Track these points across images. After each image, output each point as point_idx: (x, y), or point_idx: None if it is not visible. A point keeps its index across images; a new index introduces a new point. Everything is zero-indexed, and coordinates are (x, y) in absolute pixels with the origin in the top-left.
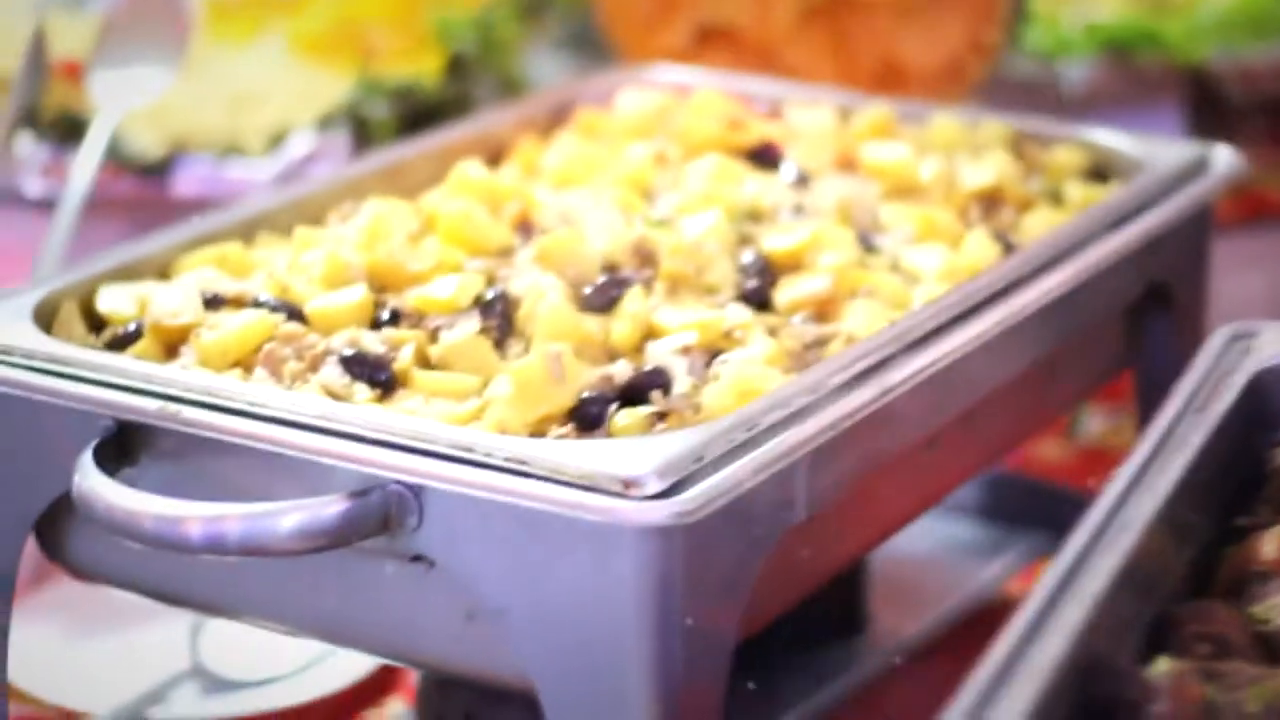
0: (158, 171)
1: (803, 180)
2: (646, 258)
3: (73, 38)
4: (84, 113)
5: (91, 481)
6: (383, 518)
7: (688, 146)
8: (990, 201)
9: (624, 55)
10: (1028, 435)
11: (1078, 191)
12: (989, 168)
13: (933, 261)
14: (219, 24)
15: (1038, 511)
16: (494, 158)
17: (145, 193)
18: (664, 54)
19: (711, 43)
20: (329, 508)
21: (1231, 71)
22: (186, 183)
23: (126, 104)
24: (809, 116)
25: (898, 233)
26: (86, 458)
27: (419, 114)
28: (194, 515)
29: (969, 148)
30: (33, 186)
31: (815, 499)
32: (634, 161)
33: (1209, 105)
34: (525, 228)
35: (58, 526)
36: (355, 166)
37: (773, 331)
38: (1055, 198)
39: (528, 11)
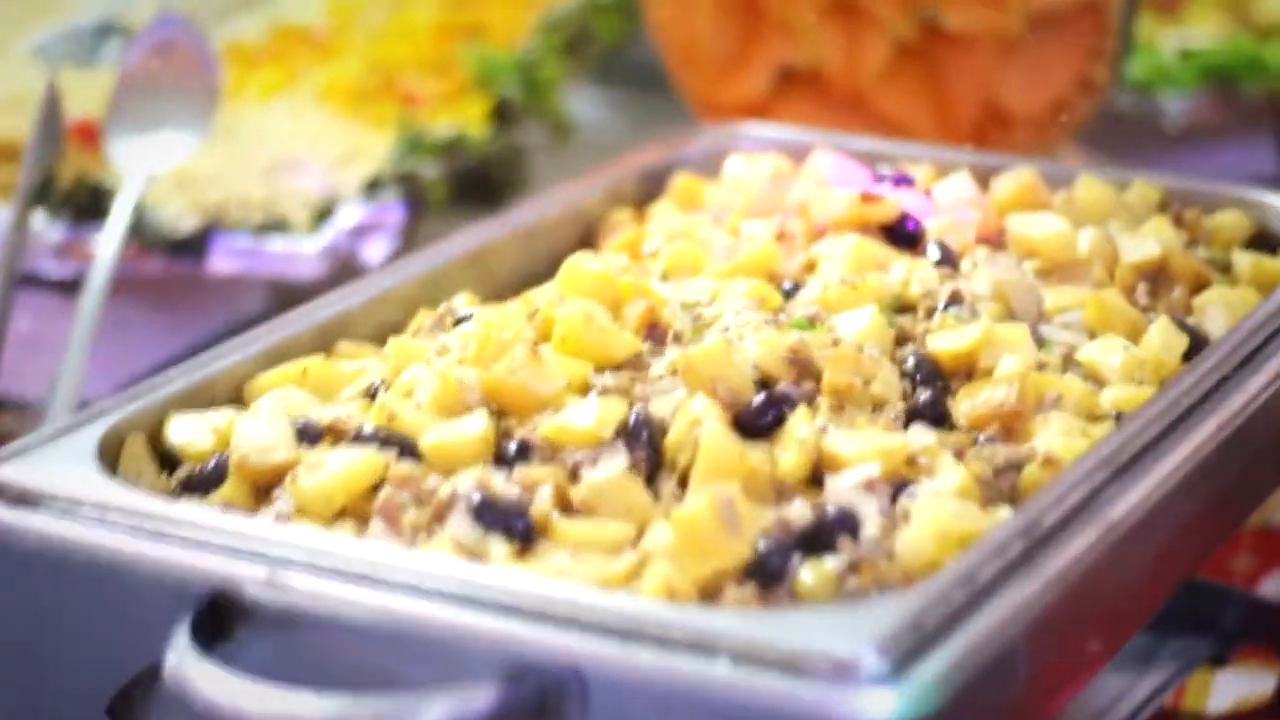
0: (191, 249)
1: (949, 259)
2: (804, 368)
3: (85, 94)
4: (103, 181)
5: (190, 666)
6: (539, 708)
7: (814, 222)
8: (1156, 276)
9: (694, 101)
10: (1224, 541)
11: (1246, 261)
12: (1150, 238)
13: (1114, 357)
14: (242, 73)
15: (1196, 612)
16: (585, 236)
17: (177, 271)
18: (740, 100)
19: (793, 88)
20: (478, 699)
21: None
22: (223, 260)
23: (150, 171)
24: (947, 185)
25: (1065, 319)
26: (182, 637)
27: (470, 170)
28: (319, 711)
29: (1121, 214)
30: (51, 267)
31: (1036, 666)
32: (756, 244)
33: None
34: (654, 331)
35: (134, 711)
36: (434, 254)
37: (958, 453)
38: (1223, 268)
39: (567, 47)
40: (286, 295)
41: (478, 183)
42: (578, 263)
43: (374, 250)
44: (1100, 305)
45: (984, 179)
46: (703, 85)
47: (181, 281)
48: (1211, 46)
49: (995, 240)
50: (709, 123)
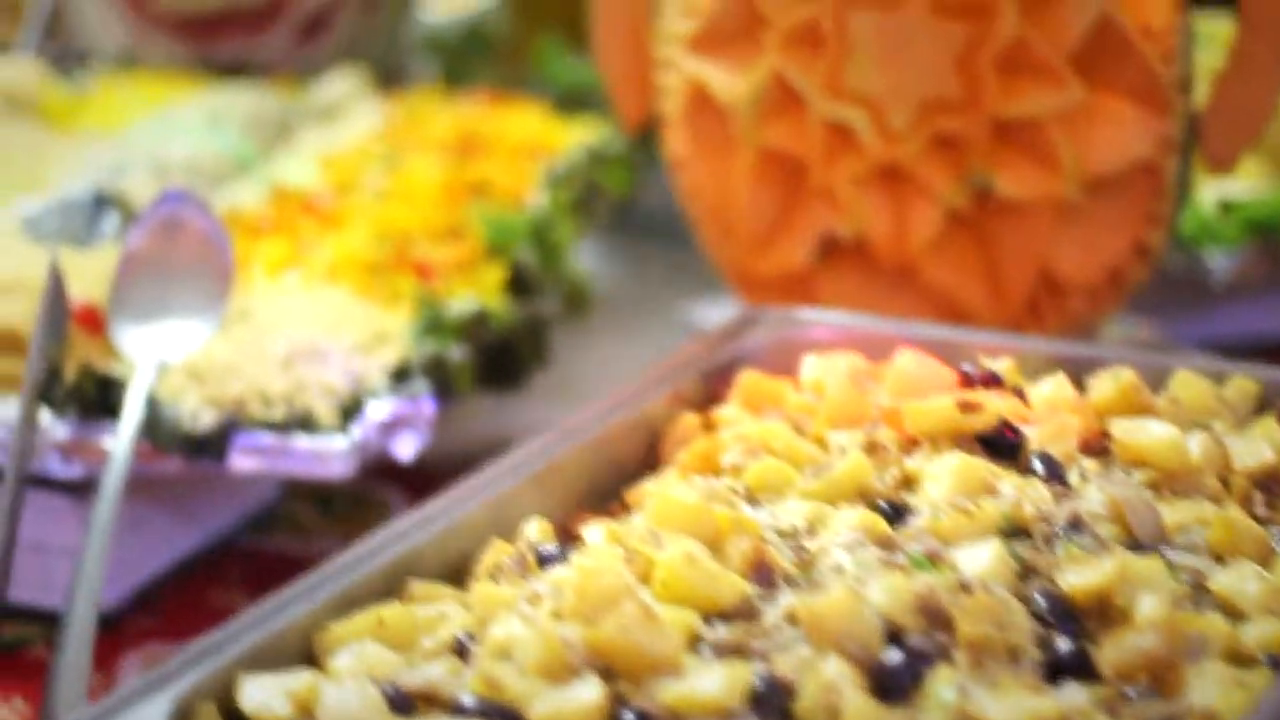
0: (210, 447)
1: (1055, 473)
2: (935, 617)
3: (83, 274)
4: (110, 372)
5: None
6: None
7: (907, 432)
8: (1271, 483)
9: (729, 270)
10: None
11: None
12: (1262, 442)
13: (1249, 585)
14: (244, 245)
15: None
16: (650, 445)
17: (195, 471)
18: (780, 270)
19: (837, 258)
20: None
21: None
22: (246, 459)
23: (161, 360)
24: (1043, 387)
25: (1188, 539)
26: None
27: (495, 349)
28: None
29: (1223, 412)
30: (59, 468)
31: None
32: (848, 459)
33: None
34: (762, 571)
35: None
36: (497, 475)
37: (1111, 709)
38: None
39: (576, 204)
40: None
41: (501, 360)
42: (669, 495)
43: (406, 446)
44: (1227, 526)
45: (1067, 367)
46: (740, 254)
47: (200, 480)
48: (1254, 198)
49: (1096, 445)
50: (750, 298)
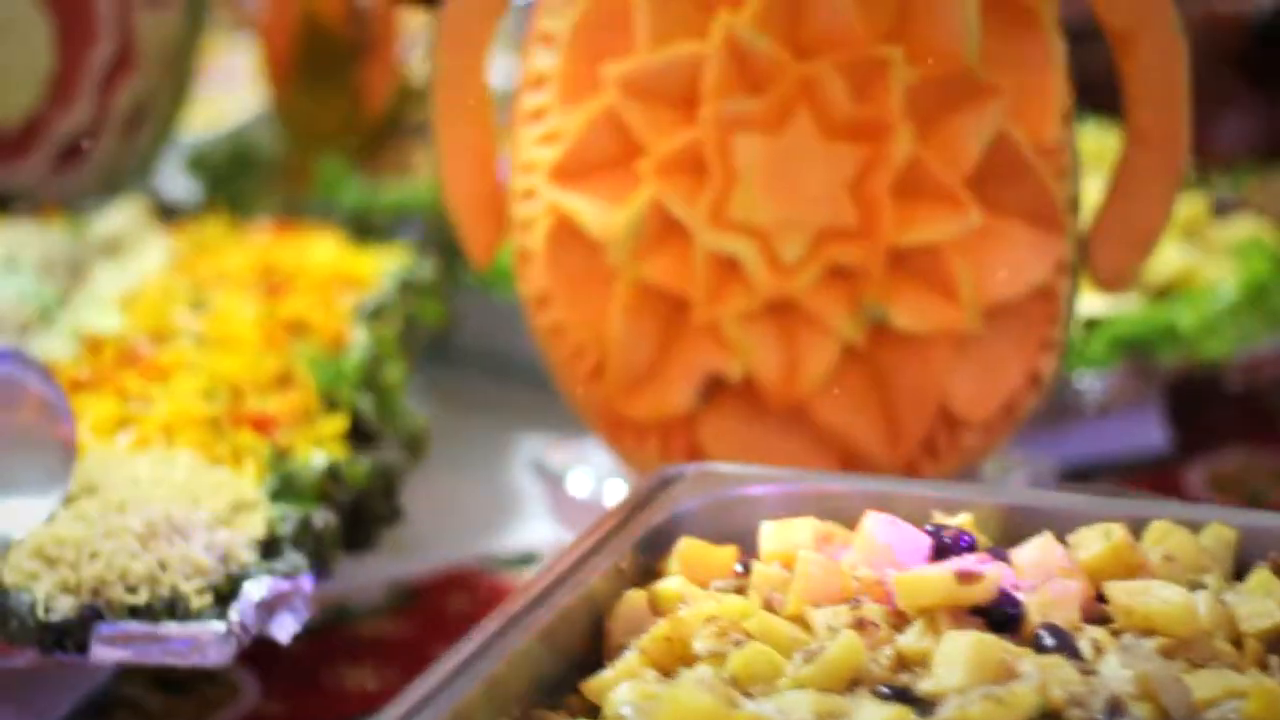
0: (69, 637)
1: (1068, 646)
2: None
3: None
4: None
5: None
6: None
7: (895, 606)
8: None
9: (595, 413)
10: None
11: None
12: (1267, 599)
13: None
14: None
15: None
16: (597, 626)
17: (51, 664)
18: (656, 413)
19: (720, 399)
20: None
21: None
22: (110, 650)
23: (2, 539)
24: (1030, 549)
25: (1221, 712)
26: None
27: (348, 507)
28: None
29: (1209, 563)
30: None
31: None
32: (841, 643)
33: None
34: None
35: None
36: (443, 676)
37: None
38: None
39: (398, 341)
40: None
41: (355, 519)
42: (681, 697)
43: (285, 627)
44: (1265, 698)
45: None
46: (610, 397)
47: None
48: (1119, 314)
49: (1089, 611)
50: (618, 442)
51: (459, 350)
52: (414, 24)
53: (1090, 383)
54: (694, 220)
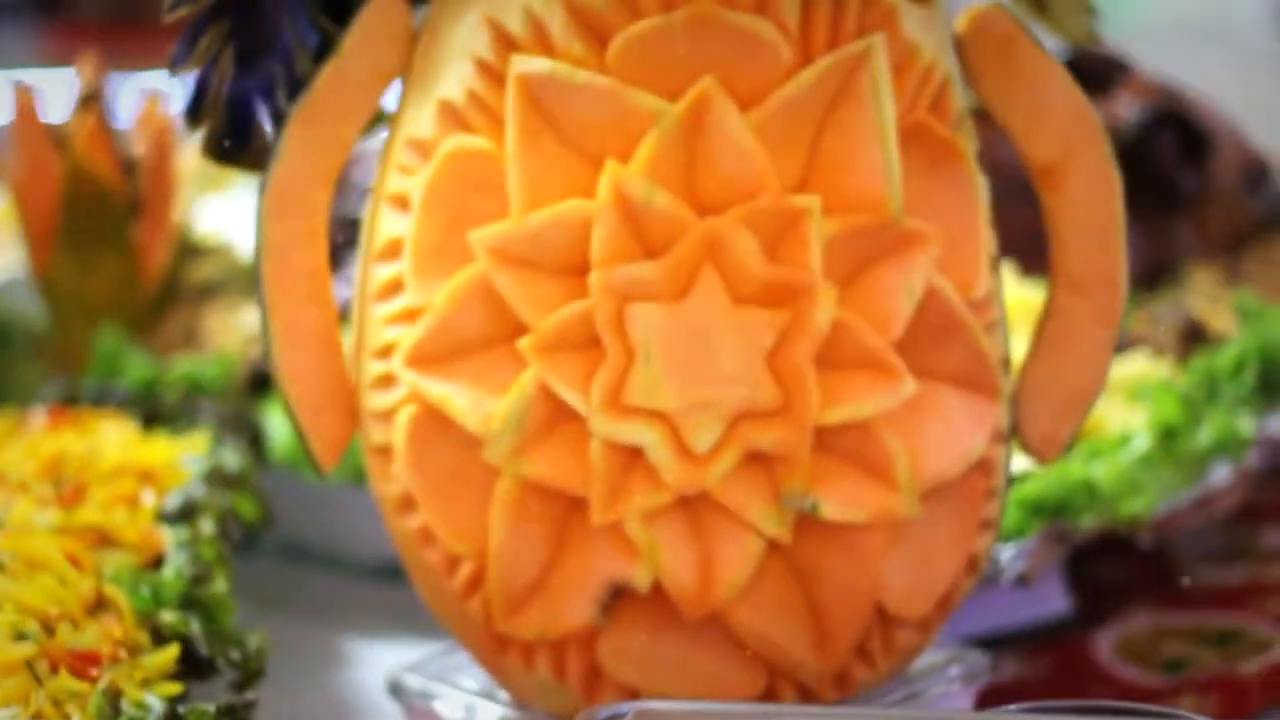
0: None
1: None
2: None
3: None
4: None
5: None
6: None
7: None
8: None
9: (470, 630)
10: None
11: None
12: None
13: None
14: None
15: None
16: None
17: None
18: (552, 632)
19: (624, 609)
20: None
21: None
22: None
23: None
24: None
25: None
26: None
27: None
28: None
29: None
30: None
31: None
32: None
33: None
34: None
35: None
36: None
37: None
38: None
39: (219, 550)
40: None
41: None
42: None
43: None
44: None
45: None
46: (490, 611)
47: None
48: (1030, 474)
49: None
50: (498, 661)
51: (271, 540)
52: (192, 172)
53: (1009, 555)
54: (587, 406)
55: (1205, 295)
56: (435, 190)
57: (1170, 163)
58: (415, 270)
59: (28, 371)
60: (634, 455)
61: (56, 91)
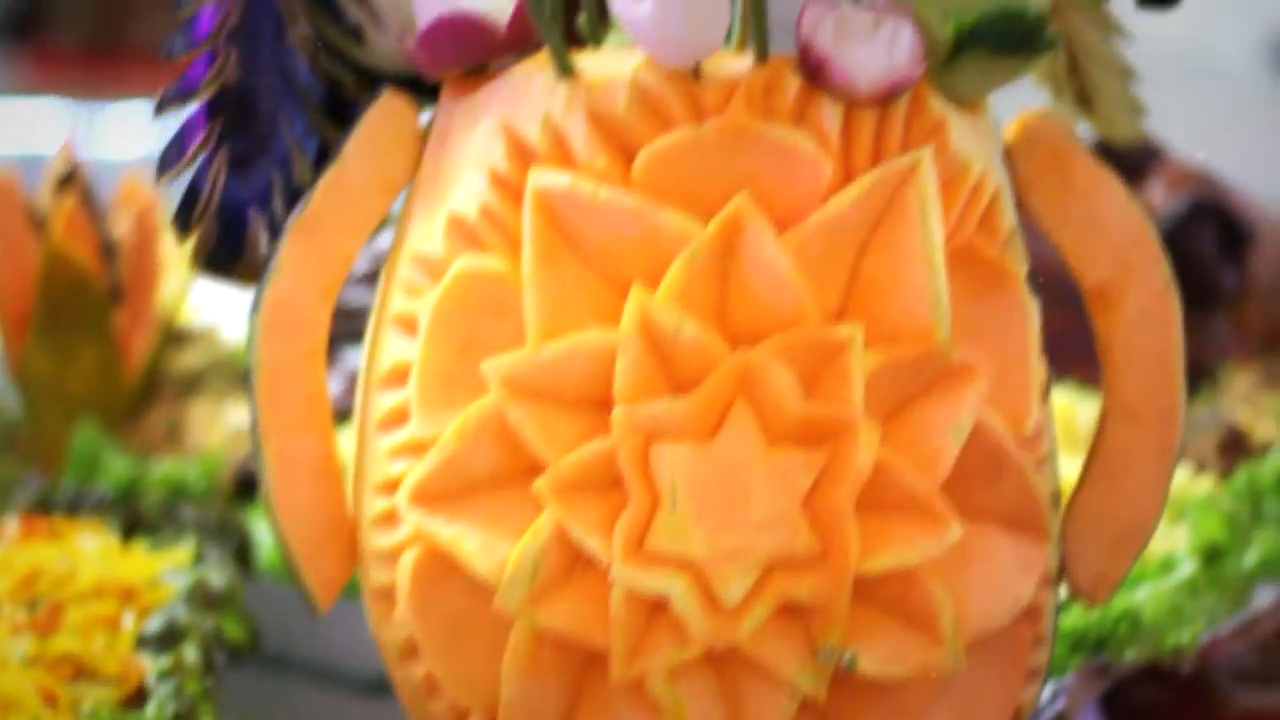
0: None
1: None
2: None
3: None
4: None
5: None
6: None
7: None
8: None
9: None
10: None
11: None
12: None
13: None
14: None
15: None
16: None
17: None
18: None
19: None
20: None
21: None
22: None
23: None
24: None
25: None
26: None
27: None
28: None
29: None
30: None
31: None
32: None
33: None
34: None
35: None
36: None
37: None
38: None
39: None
40: None
41: None
42: None
43: None
44: None
45: None
46: None
47: None
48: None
49: None
50: None
51: (259, 656)
52: (176, 259)
53: (1048, 693)
54: (607, 553)
55: (1245, 400)
56: (445, 313)
57: (1209, 257)
58: (422, 400)
59: (0, 467)
60: (658, 606)
61: (31, 120)
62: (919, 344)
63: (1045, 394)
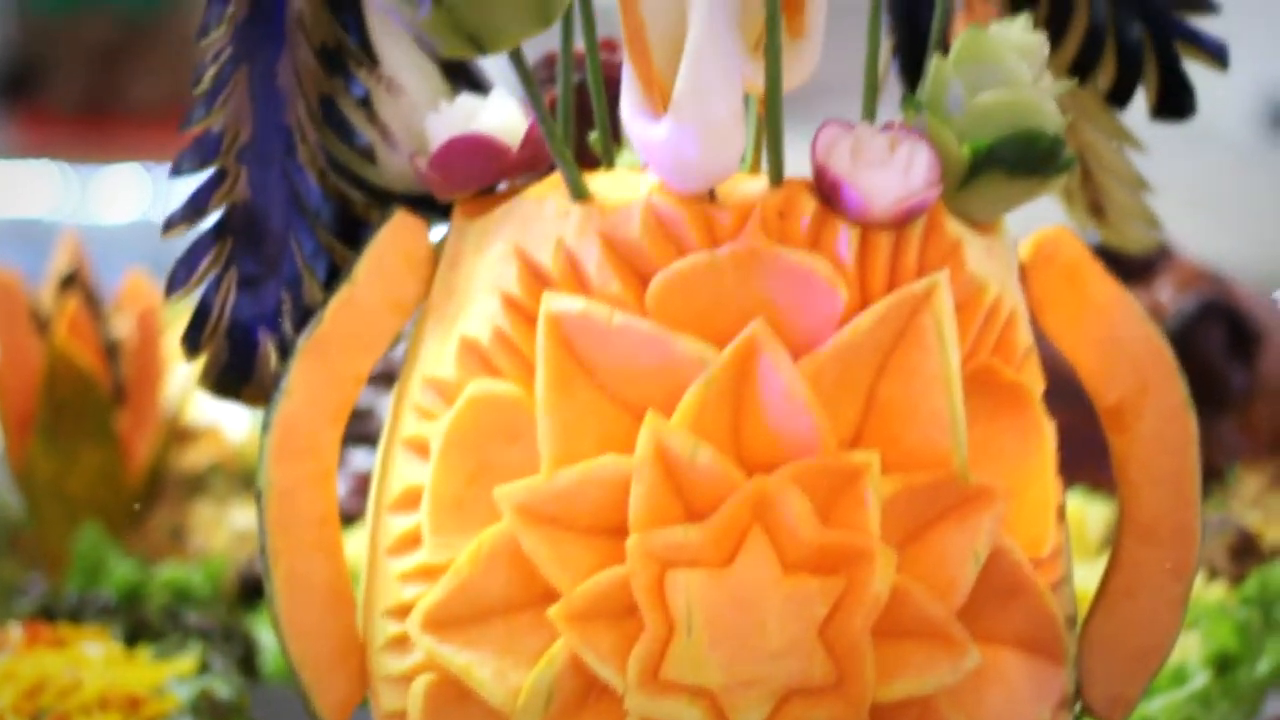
0: None
1: None
2: None
3: None
4: None
5: None
6: None
7: None
8: None
9: None
10: None
11: None
12: None
13: None
14: None
15: None
16: None
17: None
18: None
19: None
20: None
21: None
22: None
23: None
24: None
25: None
26: None
27: None
28: None
29: None
30: None
31: None
32: None
33: None
34: None
35: None
36: None
37: None
38: None
39: None
40: None
41: None
42: None
43: None
44: None
45: None
46: None
47: None
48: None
49: None
50: None
51: None
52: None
53: None
54: (622, 681)
55: (1255, 503)
56: (457, 438)
57: (1218, 358)
58: (434, 524)
59: (3, 570)
60: None
61: (24, 183)
62: (936, 470)
63: (1061, 514)
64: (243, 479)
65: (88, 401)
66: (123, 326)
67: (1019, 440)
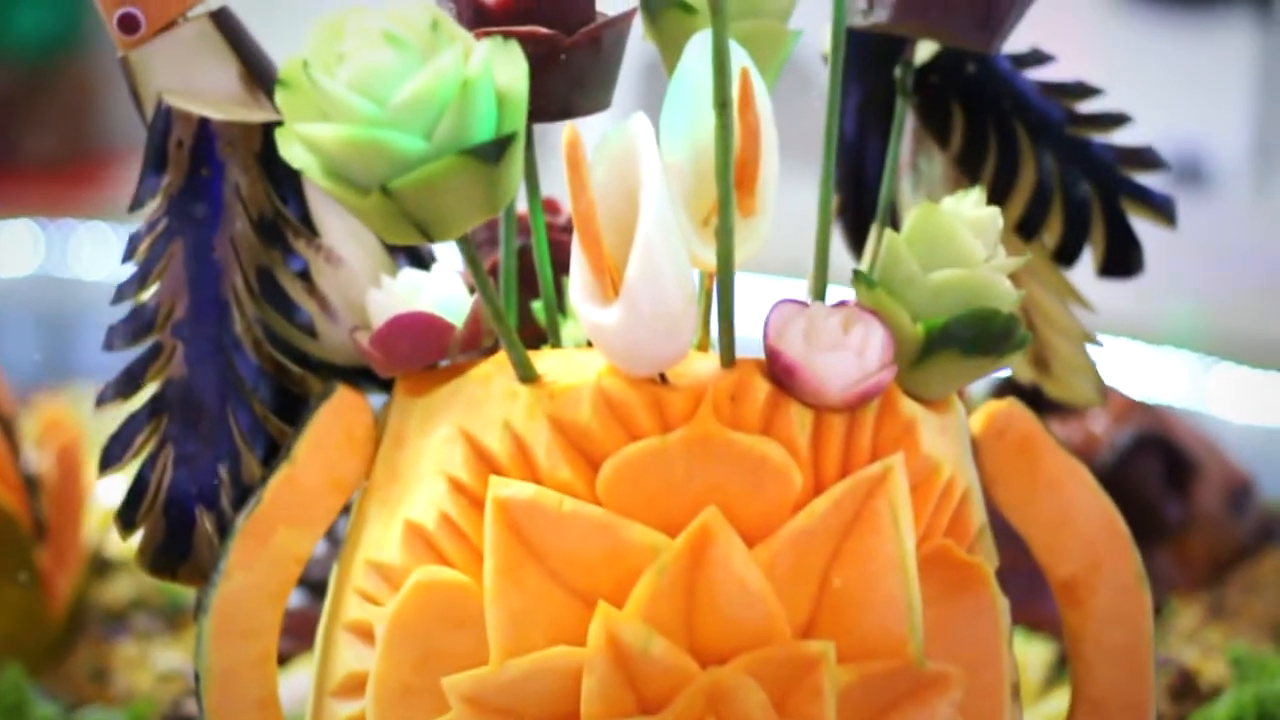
0: None
1: None
2: None
3: None
4: None
5: None
6: None
7: None
8: None
9: None
10: None
11: None
12: None
13: None
14: None
15: None
16: None
17: None
18: None
19: None
20: None
21: None
22: None
23: None
24: None
25: None
26: None
27: None
28: None
29: None
30: None
31: None
32: None
33: None
34: None
35: None
36: None
37: None
38: None
39: None
40: None
41: None
42: None
43: None
44: None
45: None
46: None
47: None
48: None
49: None
50: None
51: None
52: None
53: None
54: None
55: (1191, 638)
56: (402, 625)
57: (1154, 490)
58: (379, 713)
59: None
60: None
61: None
62: (892, 657)
63: (1015, 692)
64: (165, 615)
65: (7, 539)
66: (42, 461)
67: (973, 621)
